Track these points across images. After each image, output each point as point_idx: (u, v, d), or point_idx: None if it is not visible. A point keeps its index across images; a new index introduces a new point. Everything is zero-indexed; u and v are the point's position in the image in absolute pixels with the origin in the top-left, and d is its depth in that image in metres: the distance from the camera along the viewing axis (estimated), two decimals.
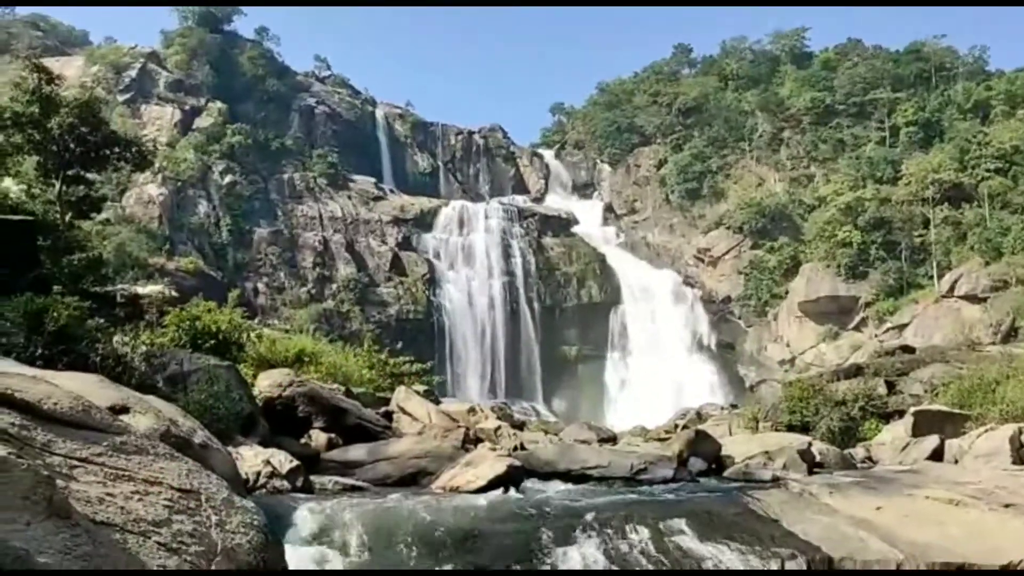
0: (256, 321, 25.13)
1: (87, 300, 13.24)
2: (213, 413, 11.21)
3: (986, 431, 16.89)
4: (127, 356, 11.54)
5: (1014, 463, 15.06)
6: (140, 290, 17.36)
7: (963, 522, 10.23)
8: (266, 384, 14.48)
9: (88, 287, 14.53)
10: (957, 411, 19.98)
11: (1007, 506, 10.62)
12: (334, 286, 59.12)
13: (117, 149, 20.52)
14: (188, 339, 15.04)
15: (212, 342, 15.29)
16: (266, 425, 13.06)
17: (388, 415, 17.02)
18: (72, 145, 19.33)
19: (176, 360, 12.85)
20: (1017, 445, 15.77)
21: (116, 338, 12.15)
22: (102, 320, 12.80)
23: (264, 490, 9.59)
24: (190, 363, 12.86)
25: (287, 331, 24.58)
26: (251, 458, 10.18)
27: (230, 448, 9.87)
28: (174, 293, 18.97)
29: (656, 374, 56.12)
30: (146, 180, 55.25)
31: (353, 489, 10.57)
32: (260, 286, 57.81)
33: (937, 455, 17.21)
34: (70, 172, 19.78)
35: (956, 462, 16.37)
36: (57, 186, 19.51)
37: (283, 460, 10.28)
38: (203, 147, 60.70)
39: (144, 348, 12.21)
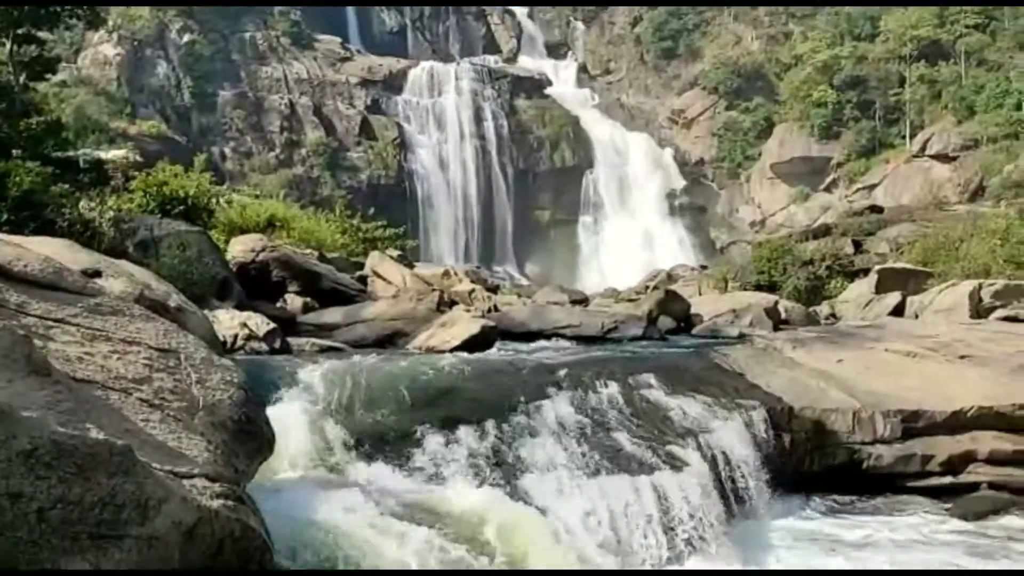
0: (225, 187, 24.72)
1: (49, 166, 12.89)
2: (186, 278, 11.19)
3: (947, 287, 17.37)
4: (95, 222, 11.38)
5: (972, 317, 15.58)
6: (103, 155, 16.89)
7: (920, 373, 10.68)
8: (239, 249, 14.42)
9: (49, 152, 14.10)
10: (920, 268, 20.46)
11: (962, 357, 11.06)
12: (303, 151, 57.92)
13: (68, 6, 19.45)
14: (156, 205, 14.81)
15: (181, 208, 15.07)
16: (241, 290, 13.11)
17: (362, 279, 17.11)
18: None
19: (145, 226, 12.70)
20: (976, 300, 16.27)
21: (82, 204, 11.93)
22: (66, 186, 12.51)
23: (242, 352, 9.73)
24: (160, 229, 12.72)
25: (257, 197, 24.24)
26: (228, 321, 10.27)
27: (206, 312, 9.93)
28: (138, 158, 18.52)
29: (629, 237, 56.49)
30: (101, 40, 52.73)
31: (330, 350, 10.75)
32: (227, 151, 56.49)
33: (898, 311, 17.75)
34: (20, 31, 18.80)
35: (916, 317, 16.91)
36: (8, 45, 18.59)
37: (260, 323, 10.39)
38: None
39: (112, 213, 12.02)
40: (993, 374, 10.46)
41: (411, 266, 19.65)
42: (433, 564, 4.28)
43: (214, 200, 17.30)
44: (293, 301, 14.02)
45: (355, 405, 7.38)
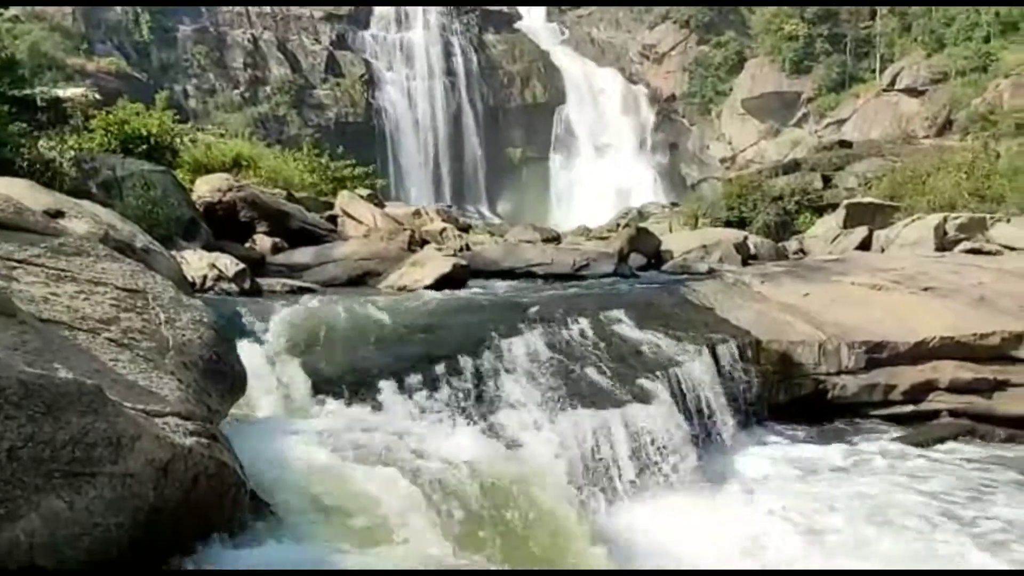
0: (189, 126, 24.15)
1: (5, 104, 12.49)
2: (152, 218, 11.00)
3: (913, 221, 17.60)
4: (56, 161, 11.08)
5: (937, 250, 15.83)
6: (61, 93, 16.34)
7: (884, 305, 10.88)
8: (205, 189, 14.16)
9: (4, 90, 13.64)
10: (888, 203, 20.67)
11: (926, 289, 11.27)
12: (268, 88, 56.66)
13: None
14: (118, 144, 14.43)
15: (144, 147, 14.70)
16: (208, 230, 12.92)
17: (332, 219, 16.94)
18: None
19: (108, 166, 12.41)
20: (941, 233, 16.53)
21: (42, 143, 11.61)
22: (24, 125, 12.14)
23: (211, 293, 9.65)
24: (123, 168, 12.44)
25: (222, 136, 23.74)
26: (196, 262, 10.15)
27: (173, 253, 9.81)
28: (97, 96, 17.92)
29: (600, 175, 56.33)
30: None
31: (301, 290, 10.70)
32: (189, 89, 55.11)
33: (865, 245, 17.98)
34: None
35: (883, 251, 17.15)
36: None
37: (229, 263, 10.27)
38: None
39: (72, 153, 11.71)
40: (955, 305, 10.69)
41: (381, 205, 19.45)
42: (401, 491, 4.35)
43: (178, 139, 16.91)
44: (262, 242, 13.86)
45: (327, 344, 7.39)
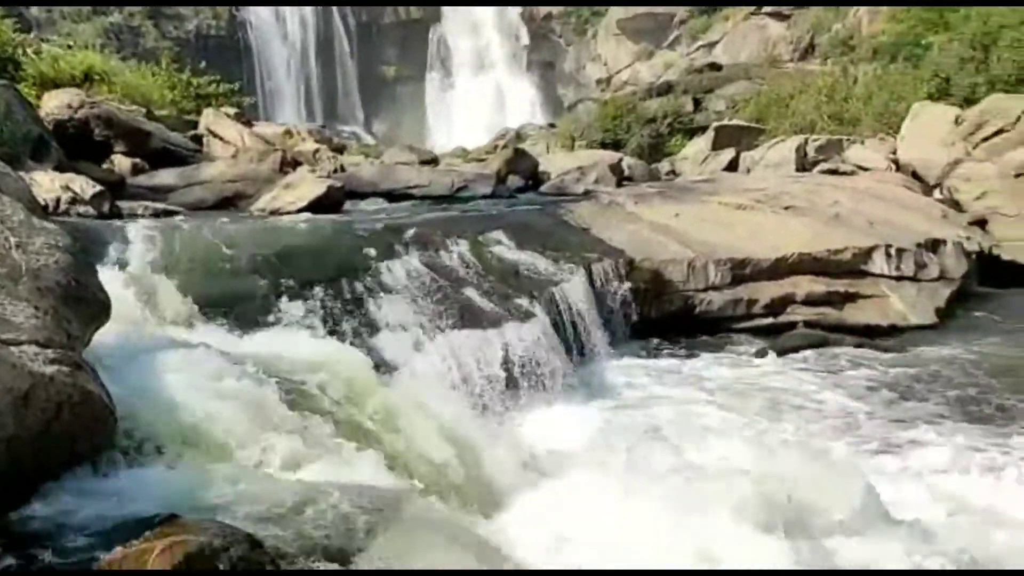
0: (32, 36, 22.19)
1: None
2: None
3: (776, 142, 18.36)
4: None
5: (797, 170, 16.63)
6: None
7: (748, 223, 11.40)
8: (54, 105, 13.14)
9: None
10: (754, 125, 21.41)
11: (786, 208, 11.87)
12: None
13: None
14: None
15: None
16: (60, 150, 12.04)
17: (197, 139, 16.13)
18: None
19: None
20: (802, 154, 17.34)
21: None
22: None
23: (67, 216, 9.07)
24: None
25: (71, 47, 21.91)
26: (48, 183, 9.48)
27: (21, 174, 9.11)
28: None
29: (477, 95, 55.70)
30: None
31: (166, 214, 10.22)
32: None
33: (733, 166, 18.67)
34: None
35: (749, 172, 17.87)
36: None
37: (85, 185, 9.66)
38: None
39: None
40: (812, 223, 11.34)
41: (250, 125, 18.61)
42: (276, 410, 4.34)
43: (20, 50, 15.55)
44: (120, 162, 13.06)
45: (194, 269, 7.12)
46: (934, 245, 11.42)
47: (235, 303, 6.71)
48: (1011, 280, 12.40)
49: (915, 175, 15.46)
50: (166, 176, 12.65)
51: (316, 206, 11.17)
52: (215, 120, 16.51)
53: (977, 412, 7.38)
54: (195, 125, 17.02)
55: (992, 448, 6.44)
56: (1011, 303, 11.65)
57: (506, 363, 7.44)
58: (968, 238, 12.20)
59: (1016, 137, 15.07)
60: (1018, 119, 14.89)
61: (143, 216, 9.89)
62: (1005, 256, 12.71)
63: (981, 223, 13.29)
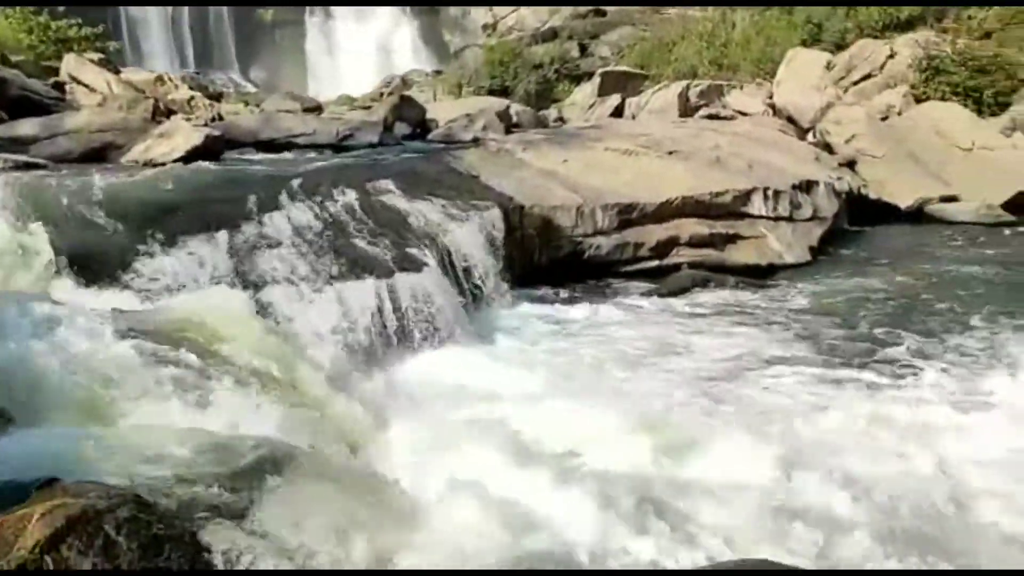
0: None
1: None
2: None
3: (660, 88, 18.67)
4: None
5: (680, 116, 17.00)
6: None
7: (635, 169, 11.61)
8: None
9: None
10: (638, 71, 21.70)
11: (671, 153, 12.14)
12: None
13: None
14: None
15: None
16: None
17: (59, 86, 15.13)
18: None
19: None
20: (684, 100, 17.72)
21: None
22: None
23: None
24: None
25: None
26: None
27: None
28: None
29: (360, 40, 54.09)
30: None
31: (28, 166, 9.57)
32: None
33: (618, 112, 18.92)
34: None
35: (634, 117, 18.15)
36: None
37: None
38: None
39: None
40: (695, 167, 11.65)
41: (117, 72, 17.56)
42: (143, 367, 4.20)
43: None
44: None
45: (60, 222, 6.72)
46: (808, 186, 11.94)
47: (104, 258, 6.38)
48: (877, 218, 13.14)
49: (790, 119, 16.07)
50: (27, 126, 11.86)
51: (193, 156, 10.74)
52: (78, 66, 15.51)
53: (832, 346, 7.79)
54: (56, 71, 15.94)
55: (845, 382, 6.81)
56: (877, 240, 12.36)
57: (398, 313, 7.39)
58: (839, 179, 12.81)
59: (883, 81, 15.87)
60: (884, 64, 15.65)
61: (2, 169, 9.24)
62: (872, 195, 13.42)
63: (851, 164, 13.97)
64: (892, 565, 4.04)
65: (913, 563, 4.06)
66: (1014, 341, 7.48)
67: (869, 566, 4.05)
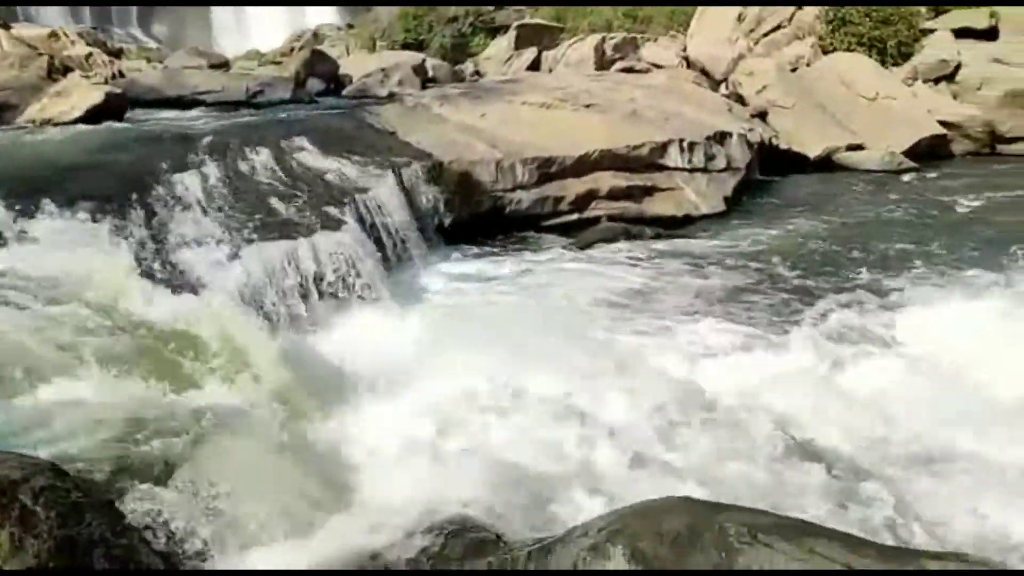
0: None
1: None
2: None
3: (576, 42, 18.64)
4: None
5: (597, 69, 17.02)
6: None
7: (552, 122, 11.63)
8: None
9: None
10: (554, 24, 21.54)
11: (588, 106, 12.18)
12: None
13: None
14: None
15: None
16: None
17: None
18: None
19: None
20: (600, 53, 17.74)
21: None
22: None
23: None
24: None
25: None
26: None
27: None
28: None
29: None
30: None
31: None
32: None
33: (535, 65, 18.83)
34: None
35: (551, 71, 18.09)
36: None
37: None
38: None
39: None
40: (611, 120, 11.72)
41: (7, 27, 16.54)
42: (60, 337, 4.07)
43: None
44: None
45: None
46: (721, 138, 12.16)
47: (4, 225, 6.09)
48: (788, 167, 13.51)
49: (704, 71, 16.29)
50: None
51: (94, 115, 10.29)
52: None
53: (743, 296, 8.06)
54: None
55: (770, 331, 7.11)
56: (787, 189, 12.74)
57: (317, 273, 7.29)
58: (751, 130, 13.08)
59: (792, 32, 16.19)
60: (793, 15, 15.95)
61: None
62: (783, 145, 13.77)
63: (762, 115, 14.28)
64: None
65: None
66: (909, 280, 7.97)
67: None
